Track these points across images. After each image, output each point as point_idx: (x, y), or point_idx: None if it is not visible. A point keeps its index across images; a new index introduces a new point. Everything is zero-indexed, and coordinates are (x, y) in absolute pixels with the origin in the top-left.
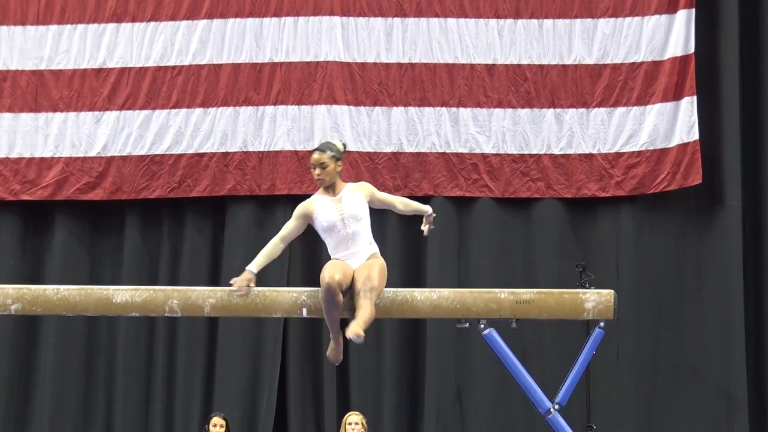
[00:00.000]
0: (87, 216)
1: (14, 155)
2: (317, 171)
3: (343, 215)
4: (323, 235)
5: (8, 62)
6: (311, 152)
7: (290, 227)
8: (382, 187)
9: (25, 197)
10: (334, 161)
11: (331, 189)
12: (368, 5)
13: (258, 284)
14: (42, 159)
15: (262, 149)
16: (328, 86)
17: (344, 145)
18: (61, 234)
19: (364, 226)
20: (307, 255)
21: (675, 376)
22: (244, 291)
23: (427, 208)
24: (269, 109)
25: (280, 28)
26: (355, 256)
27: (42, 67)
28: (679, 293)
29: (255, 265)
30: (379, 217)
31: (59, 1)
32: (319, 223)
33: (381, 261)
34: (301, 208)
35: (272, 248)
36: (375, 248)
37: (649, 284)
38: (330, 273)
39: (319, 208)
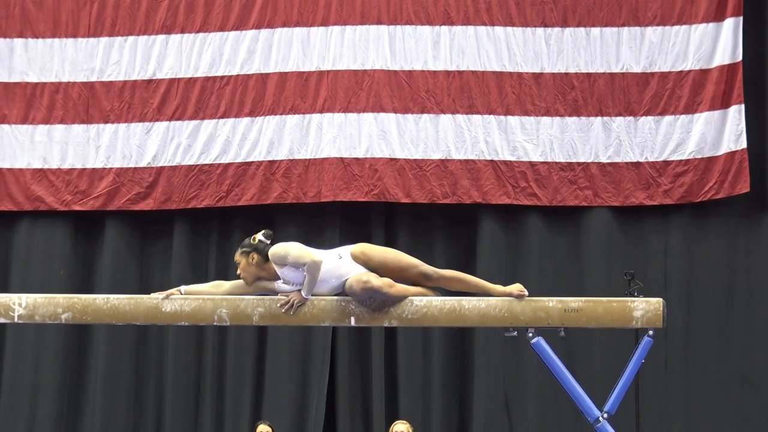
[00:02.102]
0: (137, 225)
1: (66, 166)
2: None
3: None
4: None
5: (60, 74)
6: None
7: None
8: (430, 194)
9: (77, 207)
10: (245, 257)
11: (265, 277)
12: (415, 14)
13: None
14: (93, 170)
15: (308, 157)
16: (375, 94)
17: (267, 235)
18: (112, 243)
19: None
20: None
21: (725, 385)
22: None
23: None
24: (316, 117)
25: (327, 36)
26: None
27: (93, 79)
28: (728, 301)
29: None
30: (425, 226)
31: (110, 13)
32: None
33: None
34: None
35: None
36: (346, 257)
37: (698, 292)
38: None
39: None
